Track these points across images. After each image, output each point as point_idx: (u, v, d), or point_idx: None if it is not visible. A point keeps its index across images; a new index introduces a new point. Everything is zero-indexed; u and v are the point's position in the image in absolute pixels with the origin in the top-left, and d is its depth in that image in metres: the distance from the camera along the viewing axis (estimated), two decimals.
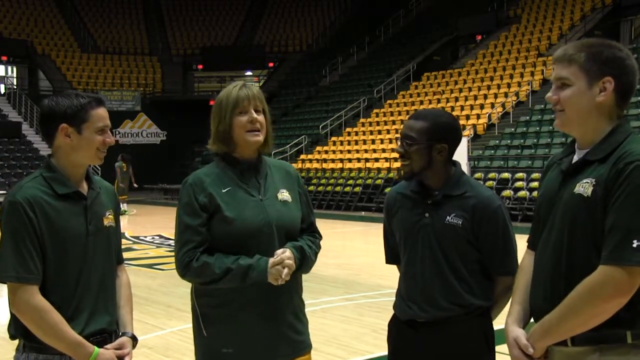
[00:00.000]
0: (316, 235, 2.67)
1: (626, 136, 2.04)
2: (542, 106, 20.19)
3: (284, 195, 2.57)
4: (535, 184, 16.91)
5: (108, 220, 2.45)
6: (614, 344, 1.98)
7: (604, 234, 1.96)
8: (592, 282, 1.95)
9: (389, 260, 2.83)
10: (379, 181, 20.76)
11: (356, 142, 24.34)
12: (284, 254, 2.43)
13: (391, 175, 20.43)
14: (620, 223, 1.92)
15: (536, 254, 2.21)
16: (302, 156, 25.24)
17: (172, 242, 12.86)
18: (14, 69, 34.72)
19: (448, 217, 2.53)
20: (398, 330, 2.66)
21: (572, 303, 1.98)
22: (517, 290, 2.28)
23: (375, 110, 26.08)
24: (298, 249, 2.50)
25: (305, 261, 2.52)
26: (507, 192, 17.26)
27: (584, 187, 2.01)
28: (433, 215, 2.55)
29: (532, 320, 2.21)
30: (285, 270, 2.41)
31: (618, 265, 1.90)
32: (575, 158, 2.13)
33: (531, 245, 2.30)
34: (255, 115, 2.52)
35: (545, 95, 2.20)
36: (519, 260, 2.59)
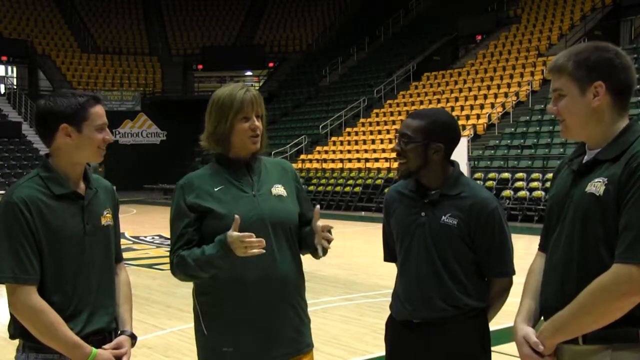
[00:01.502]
0: None
1: (637, 136, 2.05)
2: (542, 106, 20.17)
3: (279, 190, 2.57)
4: (535, 184, 16.92)
5: (106, 219, 2.45)
6: (625, 342, 1.97)
7: (617, 233, 1.95)
8: (606, 280, 1.94)
9: (387, 258, 2.83)
10: (379, 181, 20.77)
11: (356, 142, 24.35)
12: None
13: (391, 175, 20.44)
14: (634, 221, 1.91)
15: (547, 254, 2.20)
16: (302, 156, 25.24)
17: None
18: (14, 69, 34.74)
19: (444, 216, 2.52)
20: (394, 330, 2.66)
21: (584, 301, 1.98)
22: (526, 289, 2.27)
23: (375, 110, 26.09)
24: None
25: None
26: (507, 192, 17.27)
27: (596, 186, 2.01)
28: (429, 215, 2.55)
29: (542, 319, 2.20)
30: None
31: (632, 264, 1.90)
32: (586, 158, 2.13)
33: (542, 247, 2.29)
34: (257, 122, 2.53)
35: (547, 103, 2.22)
36: (517, 261, 2.60)
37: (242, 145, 2.53)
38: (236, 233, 2.34)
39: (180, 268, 2.46)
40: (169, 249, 2.55)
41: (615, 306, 1.93)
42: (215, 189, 2.51)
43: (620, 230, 1.94)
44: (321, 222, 2.48)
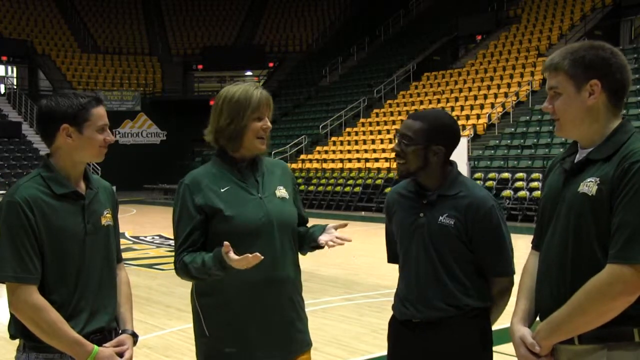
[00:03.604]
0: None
1: (629, 135, 2.05)
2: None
3: (282, 192, 2.58)
4: (535, 184, 16.92)
5: (106, 219, 2.45)
6: (621, 341, 1.97)
7: (610, 233, 1.96)
8: (600, 280, 1.94)
9: (390, 260, 2.83)
10: (379, 181, 20.77)
11: (356, 142, 24.35)
12: None
13: (391, 175, 20.44)
14: (627, 222, 1.92)
15: (541, 254, 2.21)
16: (302, 156, 25.25)
17: (172, 242, 12.86)
18: (14, 69, 34.74)
19: (441, 217, 2.53)
20: (395, 330, 2.67)
21: (580, 301, 1.98)
22: (522, 290, 2.27)
23: (375, 110, 26.09)
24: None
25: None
26: (507, 192, 17.27)
27: (589, 186, 2.01)
28: (428, 216, 2.55)
29: (537, 319, 2.21)
30: None
31: (626, 264, 1.90)
32: (578, 157, 2.13)
33: (535, 246, 2.29)
34: (269, 123, 2.55)
35: (542, 105, 2.23)
36: (517, 261, 2.60)
37: (251, 145, 2.52)
38: (232, 256, 2.29)
39: (182, 273, 2.48)
40: (169, 249, 2.55)
41: (610, 306, 1.94)
42: (222, 190, 2.50)
43: (613, 230, 1.95)
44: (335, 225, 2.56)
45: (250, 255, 2.27)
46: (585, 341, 2.02)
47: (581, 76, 2.06)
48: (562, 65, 2.09)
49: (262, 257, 2.30)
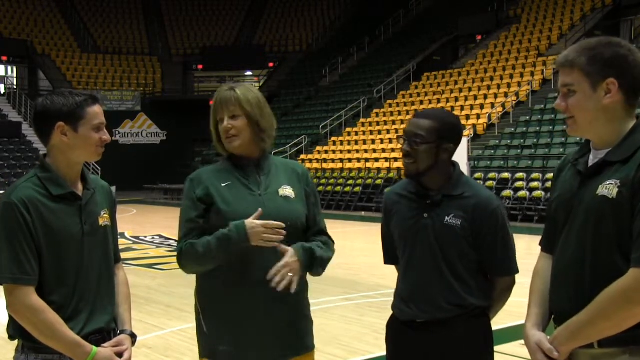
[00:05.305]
0: (327, 238, 2.67)
1: None
2: (542, 106, 20.19)
3: (286, 191, 2.57)
4: (535, 184, 16.92)
5: (103, 219, 2.45)
6: None
7: (632, 236, 1.90)
8: (625, 285, 1.89)
9: (387, 261, 2.82)
10: (379, 181, 20.77)
11: (356, 142, 24.36)
12: (287, 258, 2.41)
13: (391, 175, 20.45)
14: None
15: (555, 257, 2.15)
16: (302, 156, 25.25)
17: (172, 242, 12.85)
18: (14, 69, 34.74)
19: (447, 217, 2.52)
20: (396, 331, 2.65)
21: (602, 306, 1.93)
22: (533, 293, 2.21)
23: (375, 110, 26.09)
24: (307, 250, 2.50)
25: (315, 263, 2.52)
26: (507, 192, 17.26)
27: (608, 188, 1.96)
28: (432, 216, 2.54)
29: (551, 322, 2.16)
30: (288, 274, 2.40)
31: None
32: (592, 158, 2.08)
33: (546, 248, 2.24)
34: (226, 123, 2.52)
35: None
36: (518, 261, 2.59)
37: (226, 145, 2.55)
38: (260, 221, 2.37)
39: (188, 255, 2.46)
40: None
41: (635, 311, 1.88)
42: (223, 184, 2.53)
43: (636, 234, 1.89)
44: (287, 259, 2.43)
45: (280, 225, 2.36)
46: (605, 345, 1.96)
47: (598, 74, 1.99)
48: (578, 62, 2.02)
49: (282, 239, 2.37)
